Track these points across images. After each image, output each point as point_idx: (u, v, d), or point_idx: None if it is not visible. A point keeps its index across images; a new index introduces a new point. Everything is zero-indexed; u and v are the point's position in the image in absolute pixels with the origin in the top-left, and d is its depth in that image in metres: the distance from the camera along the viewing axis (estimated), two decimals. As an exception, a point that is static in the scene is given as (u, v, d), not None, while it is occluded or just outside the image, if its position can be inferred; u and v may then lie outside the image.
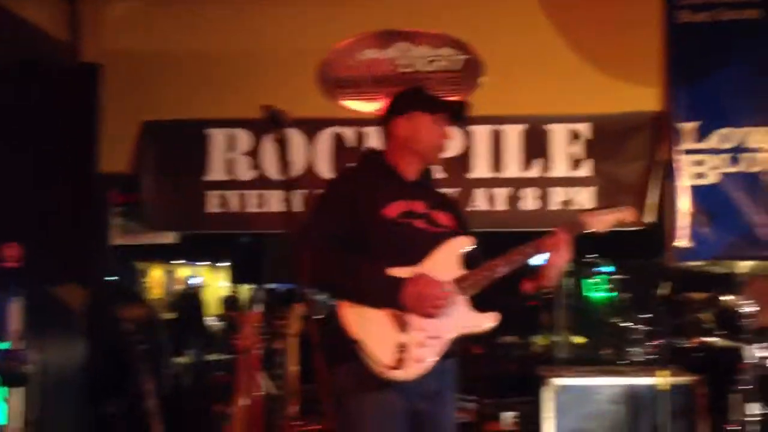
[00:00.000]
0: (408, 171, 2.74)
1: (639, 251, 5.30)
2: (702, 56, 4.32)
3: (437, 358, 2.50)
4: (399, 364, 2.44)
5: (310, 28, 4.57)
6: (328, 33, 4.56)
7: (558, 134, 4.43)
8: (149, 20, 4.70)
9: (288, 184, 2.48)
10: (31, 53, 4.34)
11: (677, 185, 4.28)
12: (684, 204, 4.25)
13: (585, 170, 4.39)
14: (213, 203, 4.55)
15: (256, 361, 3.87)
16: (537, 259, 2.65)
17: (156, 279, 9.47)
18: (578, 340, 6.57)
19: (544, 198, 4.41)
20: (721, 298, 4.21)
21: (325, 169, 4.49)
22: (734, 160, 4.27)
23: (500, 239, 2.86)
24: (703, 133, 4.29)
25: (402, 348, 2.45)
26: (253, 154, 4.54)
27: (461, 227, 2.77)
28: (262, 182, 4.51)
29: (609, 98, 4.37)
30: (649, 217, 4.28)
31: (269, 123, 2.27)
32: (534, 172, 4.43)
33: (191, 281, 10.13)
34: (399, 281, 2.48)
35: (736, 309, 3.64)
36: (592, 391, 4.00)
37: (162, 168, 4.60)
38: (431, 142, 2.73)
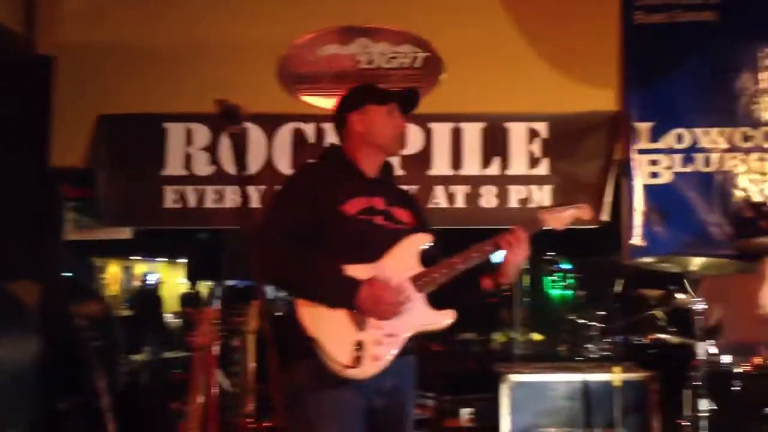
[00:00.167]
0: (368, 167, 2.74)
1: (596, 249, 5.37)
2: (657, 57, 4.38)
3: (394, 356, 2.50)
4: (356, 362, 2.44)
5: (270, 22, 4.54)
6: (288, 28, 4.54)
7: (517, 132, 4.46)
8: (106, 13, 4.63)
9: (243, 180, 2.46)
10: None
11: (633, 184, 4.34)
12: (638, 203, 4.32)
13: (543, 169, 4.43)
14: (170, 198, 4.50)
15: (213, 358, 3.83)
16: (497, 256, 2.66)
17: (113, 275, 9.36)
18: (536, 336, 6.64)
19: (502, 196, 4.44)
20: (677, 295, 4.27)
21: (285, 165, 4.47)
22: (688, 160, 4.34)
23: (459, 236, 2.88)
24: (657, 133, 4.35)
25: (359, 346, 2.45)
26: (212, 149, 4.50)
27: (420, 224, 2.78)
28: (220, 178, 4.47)
29: (567, 98, 4.41)
30: (606, 216, 4.33)
31: (224, 118, 2.24)
32: (493, 169, 4.45)
33: (149, 278, 10.04)
34: (355, 283, 2.48)
35: (689, 307, 3.70)
36: (548, 387, 4.04)
37: (118, 162, 4.53)
38: (388, 133, 2.74)
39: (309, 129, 4.51)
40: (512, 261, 2.63)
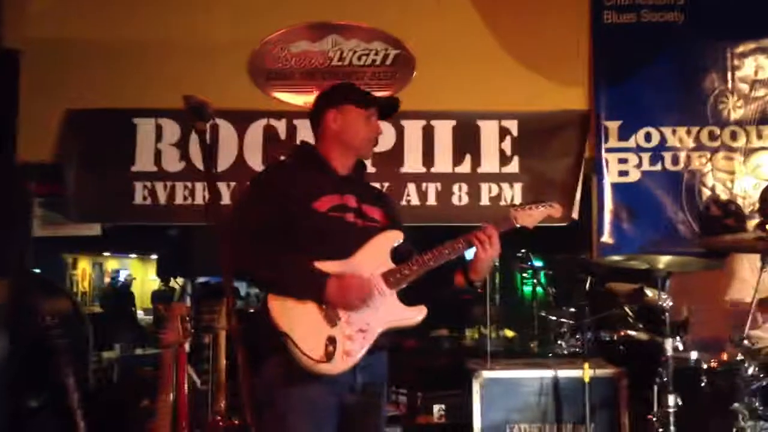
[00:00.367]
0: (340, 164, 2.74)
1: (566, 246, 5.40)
2: (627, 56, 4.43)
3: (366, 352, 2.50)
4: (327, 357, 2.44)
5: (241, 18, 4.53)
6: (259, 24, 4.53)
7: (488, 130, 4.49)
8: (74, 7, 4.58)
9: (210, 176, 2.44)
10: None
11: (602, 182, 4.39)
12: (607, 201, 4.36)
13: (514, 166, 4.45)
14: (140, 194, 4.46)
15: (184, 355, 3.81)
16: (469, 253, 2.68)
17: (83, 272, 9.27)
18: (508, 333, 6.68)
19: (474, 193, 4.46)
20: (647, 291, 4.32)
21: (256, 161, 4.45)
22: (656, 159, 4.39)
23: (431, 233, 2.89)
24: (626, 132, 4.40)
25: (330, 341, 2.45)
26: (182, 145, 4.47)
27: (392, 221, 2.78)
28: (190, 174, 4.44)
29: (538, 96, 4.45)
30: (576, 214, 4.37)
31: (191, 114, 2.23)
32: (464, 167, 4.47)
33: (120, 274, 9.95)
34: (324, 276, 2.48)
35: (657, 304, 3.74)
36: (520, 383, 4.07)
37: (87, 157, 4.49)
38: (363, 136, 2.74)
39: (280, 125, 4.50)
40: (484, 258, 2.65)
